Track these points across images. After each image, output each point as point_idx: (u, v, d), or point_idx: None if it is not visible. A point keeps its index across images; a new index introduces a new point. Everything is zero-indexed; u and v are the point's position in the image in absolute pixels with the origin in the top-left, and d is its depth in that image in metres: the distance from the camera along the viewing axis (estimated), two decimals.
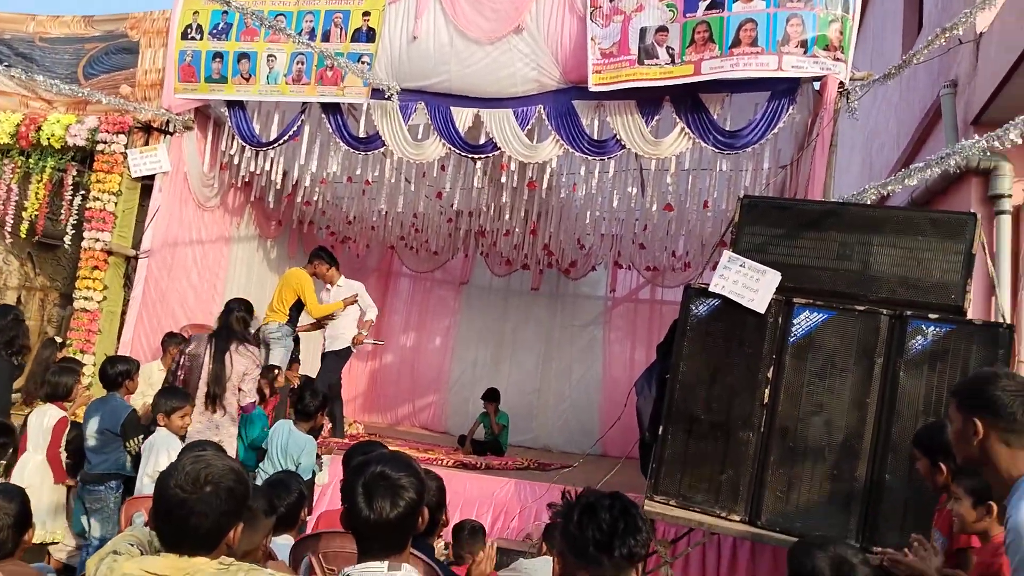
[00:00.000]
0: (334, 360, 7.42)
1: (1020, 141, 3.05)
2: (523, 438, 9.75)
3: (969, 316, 3.96)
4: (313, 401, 5.01)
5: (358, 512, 1.87)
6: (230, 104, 6.99)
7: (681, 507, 4.20)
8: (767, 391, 4.13)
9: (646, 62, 5.63)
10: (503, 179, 7.09)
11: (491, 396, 8.77)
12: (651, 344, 9.69)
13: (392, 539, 1.89)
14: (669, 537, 4.80)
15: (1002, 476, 2.04)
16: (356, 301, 7.45)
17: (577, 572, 1.76)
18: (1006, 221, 5.00)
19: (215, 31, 6.87)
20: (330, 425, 7.20)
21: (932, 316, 3.87)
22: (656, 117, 5.84)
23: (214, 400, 4.96)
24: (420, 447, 7.92)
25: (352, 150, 6.79)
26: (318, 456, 5.22)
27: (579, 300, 10.62)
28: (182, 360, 5.20)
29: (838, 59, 5.25)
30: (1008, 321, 4.43)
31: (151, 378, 6.23)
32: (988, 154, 4.77)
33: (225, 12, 6.78)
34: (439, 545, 4.06)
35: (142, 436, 4.60)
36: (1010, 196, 4.97)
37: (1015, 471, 2.03)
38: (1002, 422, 2.03)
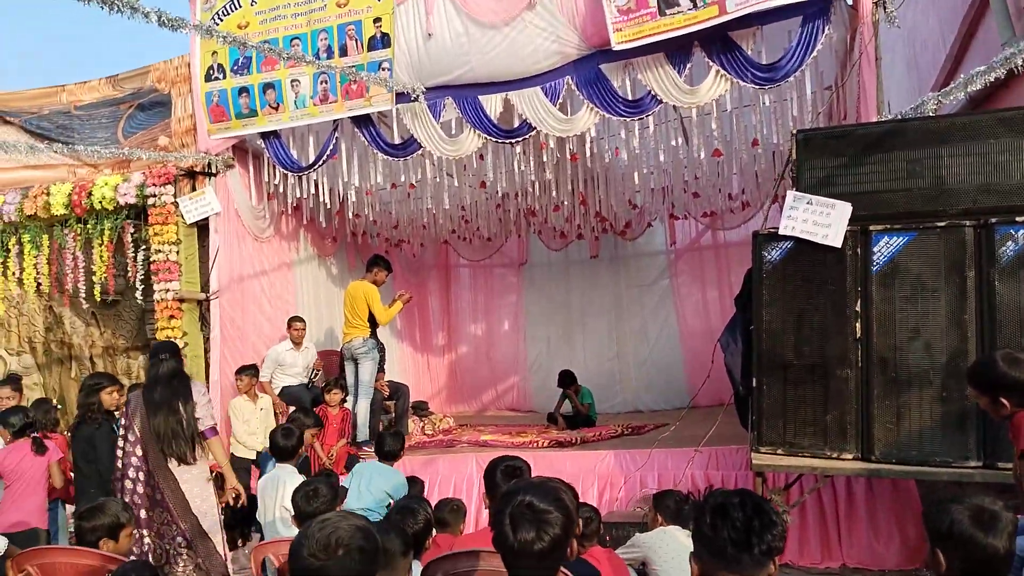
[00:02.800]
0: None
1: None
2: (610, 404, 9.77)
3: None
4: (395, 444, 5.11)
5: (504, 539, 1.90)
6: (265, 135, 7.08)
7: (790, 454, 4.15)
8: (858, 325, 4.03)
9: (667, 12, 5.48)
10: (544, 158, 7.00)
11: (566, 381, 8.73)
12: (721, 288, 9.57)
13: (540, 567, 1.91)
14: (779, 485, 4.74)
15: None
16: (410, 298, 7.63)
17: (717, 572, 1.75)
18: None
19: (236, 67, 6.94)
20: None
21: (1020, 219, 3.71)
22: (688, 65, 5.68)
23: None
24: (512, 431, 7.98)
25: (390, 157, 6.81)
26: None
27: (641, 258, 10.52)
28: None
29: None
30: None
31: (242, 413, 6.47)
32: None
33: (243, 46, 6.84)
34: None
35: None
36: None
37: None
38: None
